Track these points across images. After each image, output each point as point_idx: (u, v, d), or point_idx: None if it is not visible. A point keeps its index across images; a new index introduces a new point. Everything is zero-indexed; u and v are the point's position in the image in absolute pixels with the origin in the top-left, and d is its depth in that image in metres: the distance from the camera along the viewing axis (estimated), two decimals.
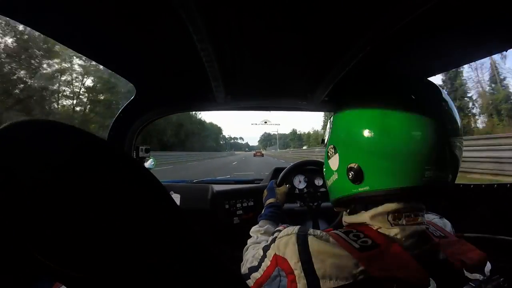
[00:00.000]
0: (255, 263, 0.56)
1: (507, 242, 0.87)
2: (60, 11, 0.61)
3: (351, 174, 0.50)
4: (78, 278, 0.32)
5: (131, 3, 0.59)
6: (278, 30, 0.70)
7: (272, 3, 0.59)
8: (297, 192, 1.41)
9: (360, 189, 0.50)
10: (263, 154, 49.76)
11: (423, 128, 0.45)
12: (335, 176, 0.56)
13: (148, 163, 1.37)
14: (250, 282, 0.57)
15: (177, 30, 0.67)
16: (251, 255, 0.62)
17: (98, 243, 0.31)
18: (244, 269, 0.61)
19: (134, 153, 1.28)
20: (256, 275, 0.54)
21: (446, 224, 0.59)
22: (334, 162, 0.55)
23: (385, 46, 0.69)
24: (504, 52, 1.03)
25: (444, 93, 0.50)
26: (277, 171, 1.49)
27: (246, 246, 0.75)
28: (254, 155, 45.51)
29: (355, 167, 0.49)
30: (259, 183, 1.64)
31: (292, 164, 1.31)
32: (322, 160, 0.64)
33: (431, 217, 0.59)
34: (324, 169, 0.62)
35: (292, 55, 0.87)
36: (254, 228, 0.83)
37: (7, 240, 0.28)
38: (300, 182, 1.47)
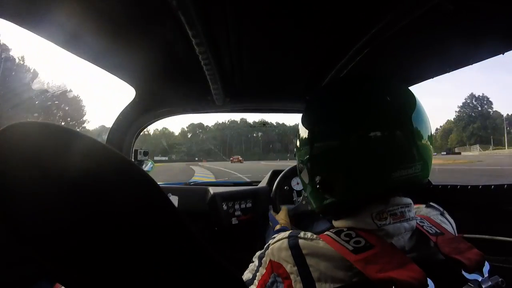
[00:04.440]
0: (250, 275, 0.56)
1: (505, 242, 0.87)
2: (60, 15, 0.61)
3: (319, 187, 0.50)
4: (78, 280, 0.32)
5: (130, 7, 0.60)
6: (276, 33, 0.71)
7: (270, 7, 0.60)
8: (295, 194, 1.41)
9: (329, 200, 0.51)
10: None
11: (387, 130, 0.46)
12: (309, 188, 0.56)
13: (146, 166, 1.37)
14: None
15: (176, 33, 0.67)
16: (248, 270, 0.61)
17: (97, 244, 0.31)
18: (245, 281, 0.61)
19: (133, 156, 1.29)
20: (256, 284, 0.53)
21: (445, 221, 0.57)
22: (304, 176, 0.55)
23: (383, 48, 0.69)
24: (501, 55, 1.04)
25: (418, 100, 0.50)
26: (275, 174, 1.49)
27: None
28: None
29: (322, 180, 0.50)
30: (256, 185, 1.63)
31: (281, 173, 1.37)
32: None
33: (432, 213, 0.58)
34: (301, 181, 0.61)
35: (290, 58, 0.87)
36: (257, 254, 0.82)
37: (9, 241, 0.28)
38: (298, 184, 1.47)
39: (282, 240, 0.49)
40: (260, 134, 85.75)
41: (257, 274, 0.53)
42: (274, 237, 0.53)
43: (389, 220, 0.46)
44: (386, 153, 0.46)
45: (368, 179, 0.47)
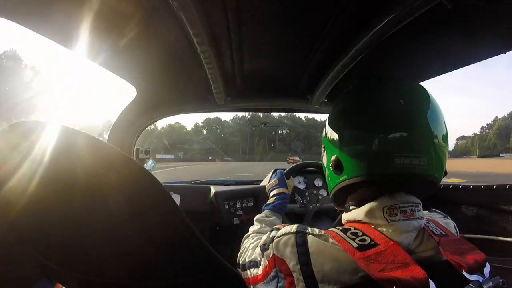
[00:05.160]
0: (257, 258, 0.55)
1: (506, 243, 0.86)
2: (60, 14, 0.61)
3: (332, 165, 0.55)
4: (78, 279, 0.32)
5: (131, 6, 0.60)
6: (278, 32, 0.71)
7: (271, 6, 0.60)
8: (297, 193, 1.41)
9: (340, 179, 0.54)
10: None
11: (397, 122, 0.49)
12: (326, 172, 0.60)
13: (147, 165, 1.38)
14: (247, 274, 0.57)
15: (177, 32, 0.67)
16: (252, 245, 0.61)
17: (99, 243, 0.31)
18: (242, 259, 0.61)
19: (134, 155, 1.29)
20: (257, 271, 0.54)
21: (449, 224, 0.58)
22: (324, 159, 0.60)
23: (384, 47, 0.69)
24: (503, 54, 1.03)
25: (432, 97, 0.52)
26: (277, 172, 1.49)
27: (247, 234, 0.73)
28: None
29: (335, 159, 0.54)
30: (258, 183, 1.64)
31: (300, 162, 1.34)
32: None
33: (435, 216, 0.59)
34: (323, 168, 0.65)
35: (291, 57, 0.87)
36: (259, 217, 0.79)
37: (9, 240, 0.28)
38: (300, 183, 1.46)
39: (289, 236, 0.49)
40: (286, 131, 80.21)
41: (261, 263, 0.53)
42: (279, 229, 0.53)
43: (399, 216, 0.47)
44: (394, 142, 0.48)
45: (373, 162, 0.49)
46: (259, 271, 0.53)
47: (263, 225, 0.75)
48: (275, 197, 0.87)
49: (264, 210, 0.83)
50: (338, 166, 0.54)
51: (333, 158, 0.55)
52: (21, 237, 0.29)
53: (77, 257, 0.32)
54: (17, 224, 0.29)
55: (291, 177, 1.10)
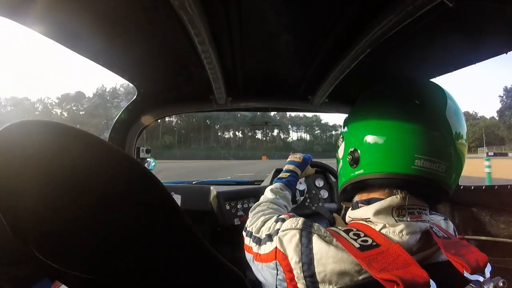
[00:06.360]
0: (261, 238, 0.55)
1: (507, 244, 0.86)
2: (61, 13, 0.61)
3: (349, 157, 0.55)
4: (78, 278, 0.32)
5: (132, 5, 0.60)
6: (279, 32, 0.71)
7: (273, 5, 0.60)
8: (298, 194, 1.41)
9: (356, 173, 0.54)
10: None
11: (418, 122, 0.48)
12: (340, 164, 0.60)
13: (148, 164, 1.38)
14: (249, 242, 0.58)
15: (178, 32, 0.67)
16: (263, 218, 0.61)
17: (98, 242, 0.31)
18: (250, 227, 0.62)
19: (135, 154, 1.29)
20: (257, 249, 0.55)
21: (449, 226, 0.60)
22: (340, 151, 0.61)
23: (385, 48, 0.69)
24: (504, 54, 1.03)
25: (449, 95, 0.52)
26: (278, 172, 1.50)
27: (259, 202, 0.74)
28: None
29: (353, 151, 0.54)
30: (259, 184, 1.64)
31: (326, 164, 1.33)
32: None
33: (437, 219, 0.60)
34: (336, 162, 0.66)
35: (293, 57, 0.87)
36: (273, 187, 0.79)
37: (9, 240, 0.28)
38: (300, 183, 1.46)
39: (294, 232, 0.49)
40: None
41: (264, 246, 0.53)
42: (284, 219, 0.53)
43: (407, 217, 0.48)
44: (418, 143, 0.48)
45: (391, 160, 0.49)
46: (260, 251, 0.54)
47: (277, 196, 0.75)
48: (289, 174, 0.86)
49: (276, 182, 0.83)
50: (355, 159, 0.53)
51: (351, 149, 0.54)
52: (22, 236, 0.29)
53: (77, 256, 0.32)
54: (18, 224, 0.29)
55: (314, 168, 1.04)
